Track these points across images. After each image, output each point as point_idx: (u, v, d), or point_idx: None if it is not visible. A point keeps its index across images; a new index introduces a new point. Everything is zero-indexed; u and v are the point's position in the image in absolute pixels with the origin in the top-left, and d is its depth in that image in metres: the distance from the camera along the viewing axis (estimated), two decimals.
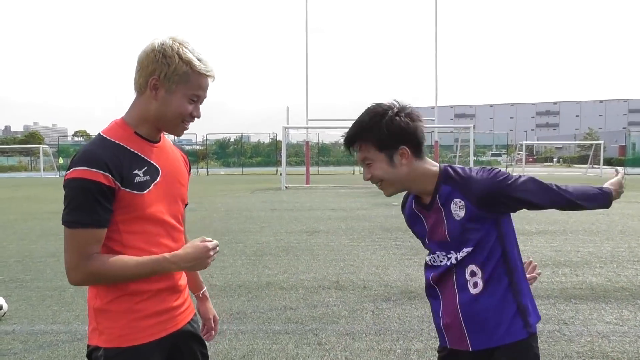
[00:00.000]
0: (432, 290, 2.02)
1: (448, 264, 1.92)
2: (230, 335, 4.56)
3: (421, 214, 2.00)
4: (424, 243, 2.06)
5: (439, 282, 1.97)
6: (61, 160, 47.43)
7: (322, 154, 57.11)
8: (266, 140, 60.92)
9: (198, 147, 52.39)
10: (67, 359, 4.10)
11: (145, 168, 1.77)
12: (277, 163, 42.47)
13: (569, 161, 66.86)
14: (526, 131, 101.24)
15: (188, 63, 1.74)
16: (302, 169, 32.34)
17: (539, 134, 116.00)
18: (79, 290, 6.03)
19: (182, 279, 1.95)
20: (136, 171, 1.74)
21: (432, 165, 1.95)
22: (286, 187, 23.48)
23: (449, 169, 1.94)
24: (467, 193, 1.87)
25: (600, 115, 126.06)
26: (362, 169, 1.97)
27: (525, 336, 1.89)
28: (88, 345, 1.82)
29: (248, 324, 4.88)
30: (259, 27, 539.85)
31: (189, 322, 1.96)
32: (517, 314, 1.89)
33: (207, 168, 46.95)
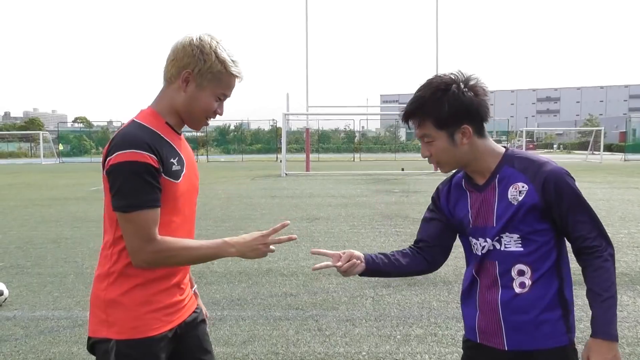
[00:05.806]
0: (471, 282, 1.88)
1: (485, 251, 1.79)
2: (230, 321, 4.58)
3: (469, 194, 1.85)
4: (459, 228, 1.90)
5: (479, 273, 1.84)
6: (61, 147, 47.43)
7: (322, 141, 57.10)
8: (266, 127, 61.14)
9: (198, 133, 52.28)
10: (68, 345, 4.13)
11: (177, 158, 1.79)
12: (277, 150, 42.43)
13: (569, 147, 66.74)
14: (527, 117, 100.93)
15: (223, 63, 1.76)
16: (302, 156, 32.31)
17: (539, 120, 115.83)
18: (80, 277, 6.05)
19: (187, 275, 1.96)
20: (172, 159, 1.75)
21: (496, 145, 1.81)
22: (286, 174, 23.46)
23: (516, 152, 1.81)
24: (534, 176, 1.71)
25: (601, 101, 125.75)
26: (420, 144, 1.84)
27: (566, 342, 1.76)
28: (90, 338, 1.79)
29: (249, 310, 4.91)
30: (259, 14, 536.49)
31: (193, 312, 1.97)
32: (561, 318, 1.76)
33: (207, 155, 46.96)
